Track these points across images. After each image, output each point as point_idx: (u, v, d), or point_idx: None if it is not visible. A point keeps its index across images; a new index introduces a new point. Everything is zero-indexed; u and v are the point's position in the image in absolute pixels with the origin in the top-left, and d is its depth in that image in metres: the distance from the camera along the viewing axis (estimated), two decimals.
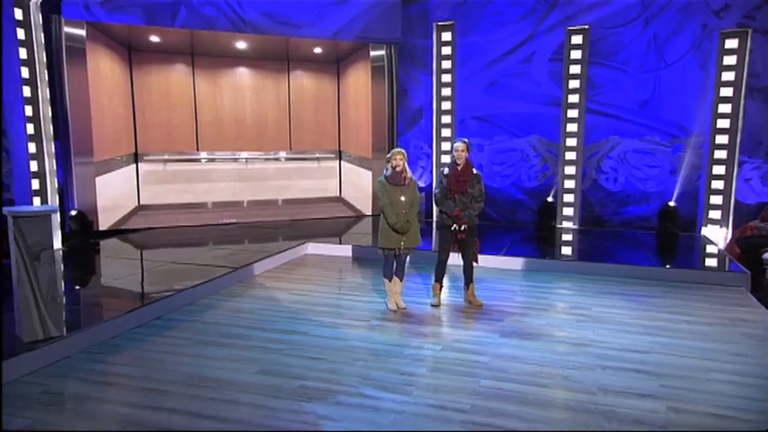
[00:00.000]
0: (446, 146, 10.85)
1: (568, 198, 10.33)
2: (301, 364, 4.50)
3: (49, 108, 8.04)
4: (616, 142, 10.23)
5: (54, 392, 3.98)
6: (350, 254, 8.35)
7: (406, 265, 5.92)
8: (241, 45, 9.93)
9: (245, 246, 8.28)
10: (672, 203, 9.90)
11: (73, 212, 8.00)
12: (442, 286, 6.07)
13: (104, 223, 9.19)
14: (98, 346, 4.84)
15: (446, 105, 10.81)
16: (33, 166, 7.88)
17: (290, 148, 10.72)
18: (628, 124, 10.15)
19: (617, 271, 7.25)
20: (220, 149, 10.19)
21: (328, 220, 10.55)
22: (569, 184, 10.30)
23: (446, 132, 10.85)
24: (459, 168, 5.68)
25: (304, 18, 9.91)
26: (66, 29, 8.57)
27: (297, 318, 5.58)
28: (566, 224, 10.34)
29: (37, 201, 7.94)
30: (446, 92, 10.77)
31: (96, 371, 4.36)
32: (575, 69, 10.11)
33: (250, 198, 10.43)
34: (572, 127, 10.21)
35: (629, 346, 4.93)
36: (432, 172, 11.22)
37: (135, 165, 9.60)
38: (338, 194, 11.20)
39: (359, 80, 10.89)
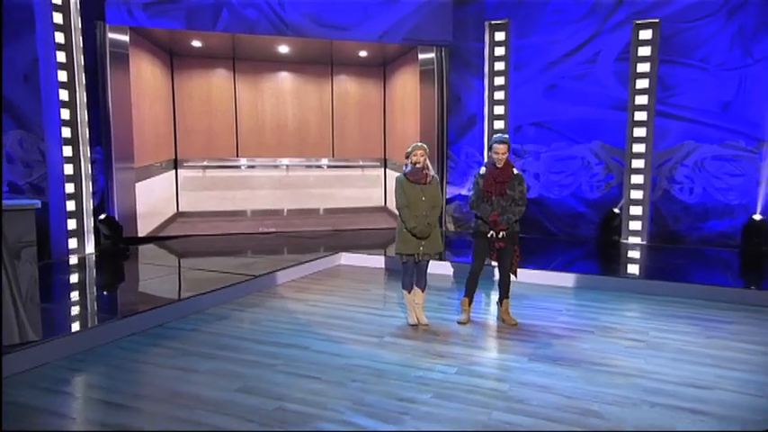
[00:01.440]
0: None
1: (636, 210, 9.32)
2: (288, 383, 3.97)
3: (86, 112, 8.02)
4: (692, 148, 9.16)
5: (8, 403, 3.62)
6: (383, 265, 7.84)
7: (427, 273, 5.34)
8: (283, 49, 9.75)
9: (280, 256, 7.94)
10: (758, 217, 8.69)
11: (102, 216, 7.88)
12: (471, 301, 5.39)
13: (143, 230, 9.13)
14: (83, 353, 4.50)
15: (499, 110, 10.11)
16: (69, 169, 7.82)
17: (333, 156, 10.39)
18: (706, 128, 9.07)
19: (686, 291, 6.30)
20: (261, 156, 10.00)
21: (372, 231, 10.07)
22: (636, 194, 9.30)
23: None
24: (499, 168, 5.04)
25: (348, 20, 9.56)
26: (111, 35, 8.64)
27: (303, 330, 5.13)
28: (632, 239, 9.32)
29: (71, 205, 7.89)
30: (499, 95, 10.10)
31: (66, 381, 4.01)
32: (643, 68, 9.16)
33: (291, 207, 10.14)
34: (639, 132, 9.24)
35: (689, 380, 4.08)
36: (470, 186, 10.51)
37: (174, 171, 9.52)
38: (383, 204, 10.76)
39: (406, 85, 10.45)
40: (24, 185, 7.72)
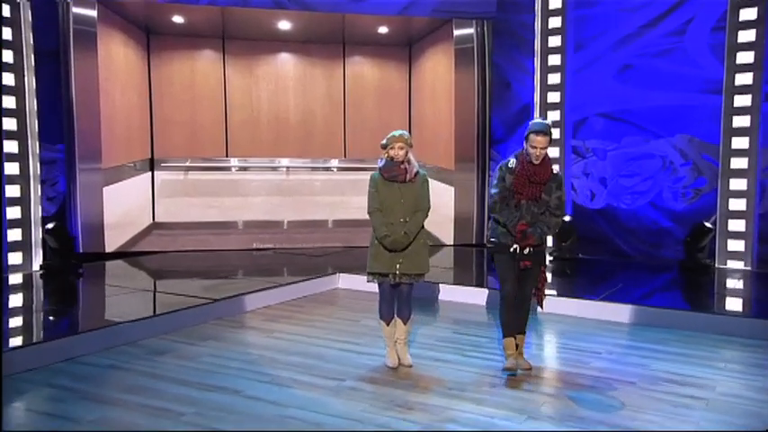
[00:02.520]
0: (553, 152, 9.44)
1: (736, 226, 8.40)
2: None
3: (35, 101, 7.95)
4: None
5: None
6: None
7: (410, 299, 4.87)
8: (284, 25, 9.56)
9: (269, 277, 7.58)
10: None
11: (49, 226, 7.71)
12: (518, 341, 4.73)
13: (112, 244, 9.00)
14: None
15: (554, 98, 9.46)
16: (12, 168, 7.75)
17: (345, 156, 10.05)
18: None
19: None
20: (255, 155, 9.74)
21: None
22: (737, 204, 8.39)
23: (554, 134, 9.40)
24: (537, 165, 4.49)
25: None
26: (75, 9, 8.61)
27: (247, 370, 4.76)
28: (732, 264, 8.40)
29: (14, 212, 7.79)
30: (554, 79, 9.44)
31: None
32: (746, 37, 8.29)
33: (292, 218, 9.83)
34: (741, 121, 8.36)
35: None
36: None
37: (150, 173, 9.36)
38: None
39: (438, 68, 10.05)
40: None
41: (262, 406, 4.02)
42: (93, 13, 8.68)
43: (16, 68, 7.83)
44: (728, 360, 5.01)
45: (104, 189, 8.92)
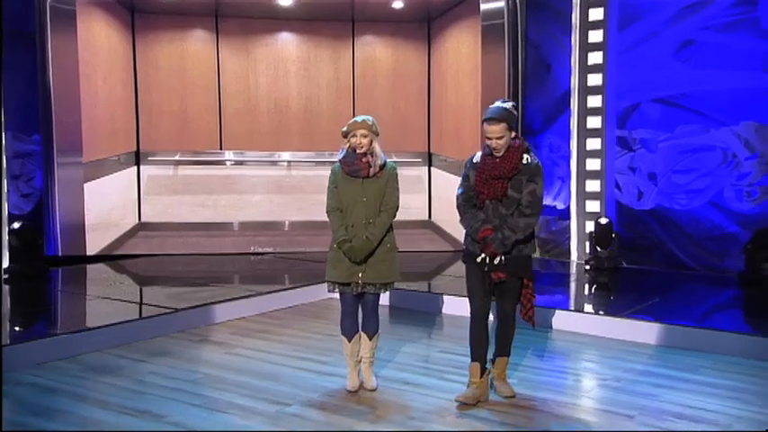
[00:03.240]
0: (593, 143, 9.07)
1: None
2: None
3: (1, 88, 8.02)
4: None
5: None
6: (386, 302, 7.16)
7: (377, 311, 4.68)
8: (284, 1, 9.51)
9: (260, 285, 7.60)
10: None
11: (16, 225, 7.77)
12: (485, 368, 4.42)
13: (93, 246, 9.10)
14: None
15: (595, 80, 9.05)
16: None
17: None
18: None
19: None
20: (253, 148, 9.78)
21: (411, 255, 9.30)
22: None
23: (594, 122, 9.08)
24: (498, 158, 4.23)
25: None
26: None
27: (185, 392, 4.63)
28: None
29: None
30: (595, 58, 9.03)
31: None
32: None
33: (294, 218, 9.85)
34: None
35: None
36: (558, 191, 9.53)
37: (136, 168, 9.46)
38: (427, 217, 10.19)
39: (462, 47, 9.84)
40: None
41: None
42: None
43: None
44: (760, 395, 4.59)
45: (85, 185, 9.03)
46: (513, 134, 4.24)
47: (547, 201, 9.84)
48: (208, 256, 9.26)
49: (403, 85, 9.96)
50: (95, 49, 9.04)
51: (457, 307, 6.77)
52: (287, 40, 9.74)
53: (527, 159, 4.25)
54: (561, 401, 4.43)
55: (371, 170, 4.45)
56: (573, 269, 8.85)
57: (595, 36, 9.05)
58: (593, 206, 9.12)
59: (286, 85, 9.74)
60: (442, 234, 9.95)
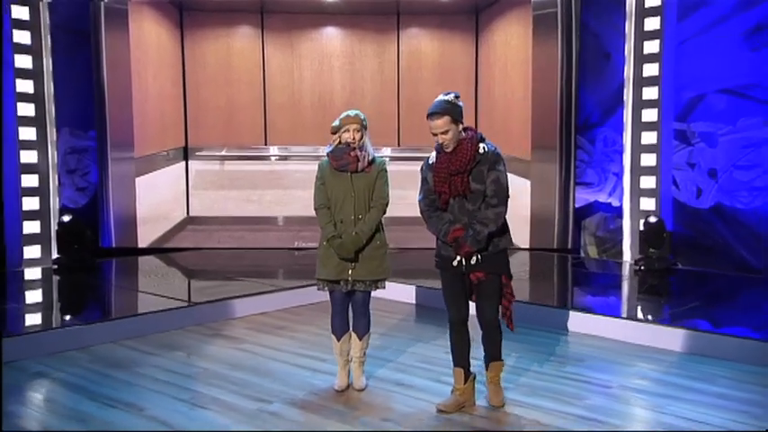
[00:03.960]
0: (649, 137, 8.65)
1: None
2: None
3: (53, 84, 8.36)
4: None
5: None
6: (413, 300, 7.13)
7: (367, 310, 4.60)
8: None
9: (294, 281, 7.62)
10: None
11: (66, 218, 8.06)
12: (468, 373, 4.29)
13: (145, 239, 9.36)
14: None
15: (650, 70, 8.63)
16: (30, 157, 8.19)
17: (399, 144, 9.89)
18: None
19: None
20: (297, 143, 9.76)
21: None
22: None
23: (649, 115, 8.65)
24: (451, 153, 4.07)
25: None
26: None
27: (174, 385, 4.70)
28: None
29: (33, 202, 8.22)
30: (651, 47, 8.62)
31: None
32: None
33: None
34: None
35: None
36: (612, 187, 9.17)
37: (185, 163, 9.62)
38: None
39: (511, 38, 9.58)
40: None
41: (149, 428, 3.92)
42: None
43: (34, 50, 8.27)
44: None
45: (136, 180, 9.29)
46: (462, 126, 4.07)
47: (601, 198, 9.50)
48: (252, 251, 9.39)
49: (449, 79, 9.69)
50: (146, 47, 9.28)
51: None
52: (331, 35, 9.70)
53: (483, 148, 4.05)
54: (550, 409, 4.22)
55: (360, 164, 4.36)
56: (623, 270, 8.50)
57: (652, 24, 8.62)
58: (647, 204, 8.71)
59: (330, 80, 9.71)
60: None
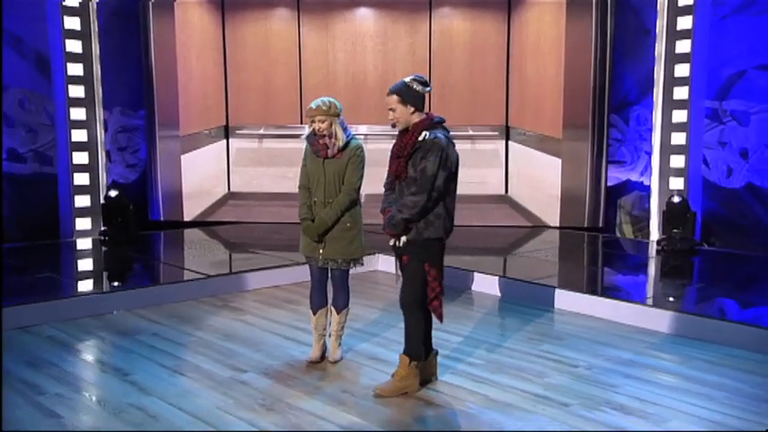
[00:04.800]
0: (679, 116, 8.46)
1: None
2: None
3: (99, 66, 8.80)
4: None
5: None
6: None
7: (345, 287, 4.77)
8: None
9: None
10: None
11: (112, 193, 8.49)
12: (430, 351, 4.40)
13: (189, 213, 9.79)
14: None
15: (683, 47, 8.41)
16: (80, 135, 8.69)
17: None
18: None
19: None
20: None
21: (484, 230, 9.23)
22: None
23: (681, 93, 8.45)
24: (401, 136, 4.21)
25: None
26: None
27: (163, 352, 5.02)
28: None
29: (84, 177, 8.74)
30: (684, 23, 8.39)
31: None
32: None
33: (370, 190, 9.65)
34: None
35: None
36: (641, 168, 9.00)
37: (225, 141, 9.92)
38: (503, 191, 9.90)
39: (545, 16, 9.49)
40: (27, 153, 8.73)
41: (124, 391, 4.23)
42: None
43: (83, 35, 8.73)
44: (733, 391, 4.27)
45: (182, 157, 9.70)
46: (412, 109, 4.10)
47: (633, 177, 9.35)
48: (288, 225, 9.62)
49: (480, 58, 9.68)
50: (190, 31, 9.61)
51: (486, 284, 6.77)
52: (364, 16, 9.75)
53: (424, 136, 4.06)
54: (508, 386, 4.34)
55: (329, 151, 4.51)
56: (647, 250, 8.39)
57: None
58: (676, 183, 8.55)
59: (363, 60, 9.77)
60: (519, 209, 9.70)
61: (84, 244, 8.54)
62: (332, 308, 4.78)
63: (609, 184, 9.42)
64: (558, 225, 9.44)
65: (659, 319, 5.49)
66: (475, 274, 6.86)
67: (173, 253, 8.68)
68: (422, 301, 4.17)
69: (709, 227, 8.57)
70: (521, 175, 9.77)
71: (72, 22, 8.67)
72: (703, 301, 6.30)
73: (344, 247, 4.59)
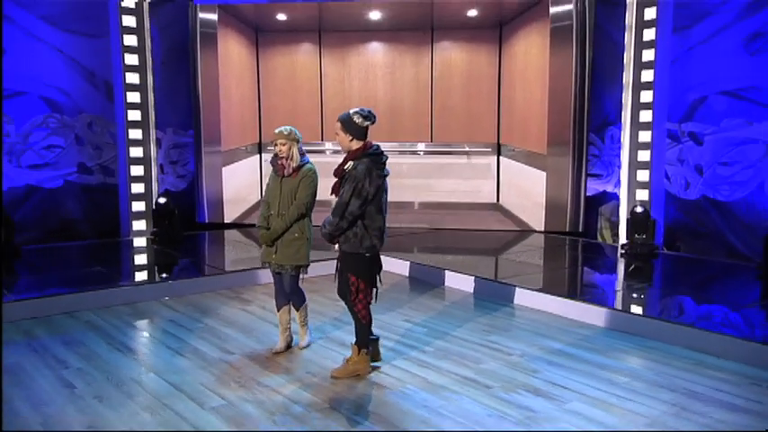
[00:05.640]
0: (644, 136, 8.48)
1: None
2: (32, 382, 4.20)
3: (152, 95, 9.24)
4: None
5: None
6: (407, 273, 7.47)
7: (295, 288, 4.91)
8: (374, 15, 9.72)
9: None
10: None
11: (161, 200, 8.91)
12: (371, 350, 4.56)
13: (229, 216, 10.13)
14: None
15: (647, 76, 8.42)
16: (138, 152, 9.16)
17: (431, 140, 9.98)
18: None
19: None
20: None
21: (477, 233, 9.39)
22: None
23: (645, 116, 8.46)
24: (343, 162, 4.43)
25: None
26: (201, 14, 9.72)
27: (174, 336, 5.31)
28: None
29: (139, 187, 9.21)
30: (648, 56, 8.40)
31: None
32: None
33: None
34: None
35: None
36: (615, 181, 8.97)
37: (258, 155, 10.23)
38: (495, 200, 9.96)
39: (531, 49, 9.48)
40: (94, 167, 9.25)
41: (130, 367, 4.57)
42: (214, 16, 9.72)
43: (140, 69, 9.19)
44: (636, 378, 4.38)
45: (223, 169, 10.05)
46: (351, 138, 4.26)
47: (608, 188, 9.36)
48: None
49: (475, 85, 9.75)
50: (230, 63, 9.92)
51: (457, 281, 6.89)
52: (375, 49, 9.93)
53: (349, 166, 4.24)
54: (445, 370, 4.53)
55: (286, 171, 4.72)
56: (616, 253, 8.39)
57: (649, 34, 8.38)
58: (642, 195, 8.55)
59: (374, 87, 9.95)
60: (509, 216, 9.76)
61: (138, 242, 8.95)
62: (293, 306, 4.93)
63: (588, 194, 9.43)
64: (542, 230, 9.51)
65: (596, 315, 5.58)
66: (447, 272, 6.98)
67: (207, 251, 9.01)
68: (350, 305, 4.41)
69: (673, 233, 8.55)
70: (510, 185, 9.83)
71: (131, 59, 9.11)
72: (639, 299, 6.33)
73: (292, 254, 4.73)
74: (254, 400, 4.03)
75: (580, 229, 9.42)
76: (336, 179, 4.36)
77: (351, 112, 4.32)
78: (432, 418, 3.81)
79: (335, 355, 4.81)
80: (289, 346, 4.94)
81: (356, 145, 4.30)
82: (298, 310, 4.96)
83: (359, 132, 4.29)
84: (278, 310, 4.96)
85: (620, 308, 5.66)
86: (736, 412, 3.89)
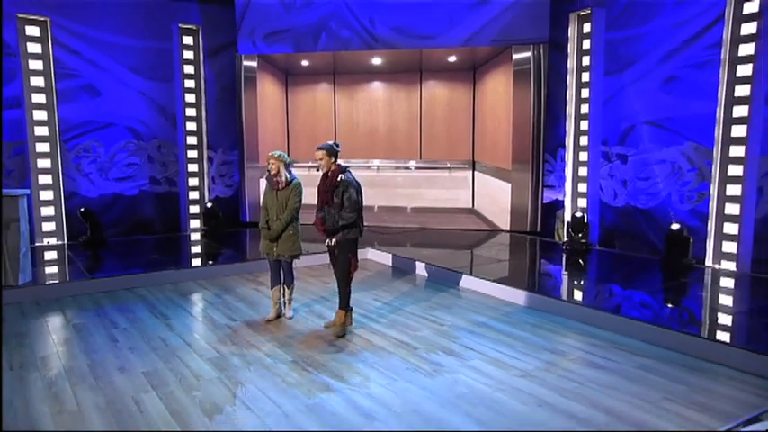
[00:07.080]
0: (583, 156, 8.69)
1: (731, 229, 6.99)
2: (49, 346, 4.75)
3: (204, 124, 9.85)
4: None
5: None
6: (390, 263, 7.79)
7: (290, 271, 5.36)
8: (376, 61, 10.05)
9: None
10: None
11: (209, 204, 9.55)
12: (346, 312, 4.99)
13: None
14: (52, 301, 6.01)
15: (584, 109, 8.65)
16: (194, 168, 9.81)
17: (420, 158, 10.29)
18: None
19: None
20: (355, 157, 10.43)
21: (455, 232, 9.73)
22: (732, 209, 6.97)
23: (583, 141, 8.69)
24: (326, 177, 4.89)
25: (434, 29, 9.42)
26: (245, 62, 10.28)
27: (186, 310, 5.65)
28: (725, 264, 7.03)
29: (195, 194, 9.85)
30: (585, 93, 8.61)
31: None
32: (746, 50, 6.78)
33: (381, 203, 10.44)
34: (739, 131, 6.87)
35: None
36: (564, 191, 9.13)
37: None
38: (470, 206, 10.22)
39: (498, 87, 9.70)
40: (162, 179, 9.95)
41: (160, 328, 5.01)
42: (254, 63, 10.26)
43: (197, 105, 9.82)
44: (528, 342, 4.63)
45: (260, 180, 10.57)
46: (333, 159, 4.78)
47: (560, 197, 9.57)
48: (310, 226, 10.34)
49: (455, 115, 10.04)
50: (266, 99, 10.40)
51: (422, 269, 7.15)
52: (377, 87, 10.29)
53: (341, 178, 4.75)
54: (389, 335, 4.83)
55: (280, 185, 5.15)
56: (558, 250, 8.61)
57: (585, 76, 8.61)
58: (582, 203, 8.77)
59: (376, 117, 10.31)
60: (482, 218, 10.01)
61: (194, 237, 9.53)
62: (284, 286, 5.34)
63: (544, 201, 9.65)
64: (508, 230, 9.77)
65: (519, 296, 5.84)
66: (417, 262, 7.27)
67: (240, 244, 9.45)
68: (347, 278, 4.88)
69: (611, 234, 8.73)
70: (483, 194, 10.09)
71: (190, 97, 9.75)
72: (554, 284, 6.54)
73: (289, 246, 5.17)
74: (239, 353, 4.46)
75: (538, 230, 9.65)
76: (327, 192, 4.82)
77: (330, 143, 4.86)
78: (364, 369, 4.18)
79: (312, 324, 5.16)
80: (278, 316, 5.33)
81: (335, 166, 4.84)
82: (288, 288, 5.35)
83: (336, 156, 4.86)
84: (271, 288, 5.37)
85: (537, 290, 5.89)
86: (596, 368, 4.16)
